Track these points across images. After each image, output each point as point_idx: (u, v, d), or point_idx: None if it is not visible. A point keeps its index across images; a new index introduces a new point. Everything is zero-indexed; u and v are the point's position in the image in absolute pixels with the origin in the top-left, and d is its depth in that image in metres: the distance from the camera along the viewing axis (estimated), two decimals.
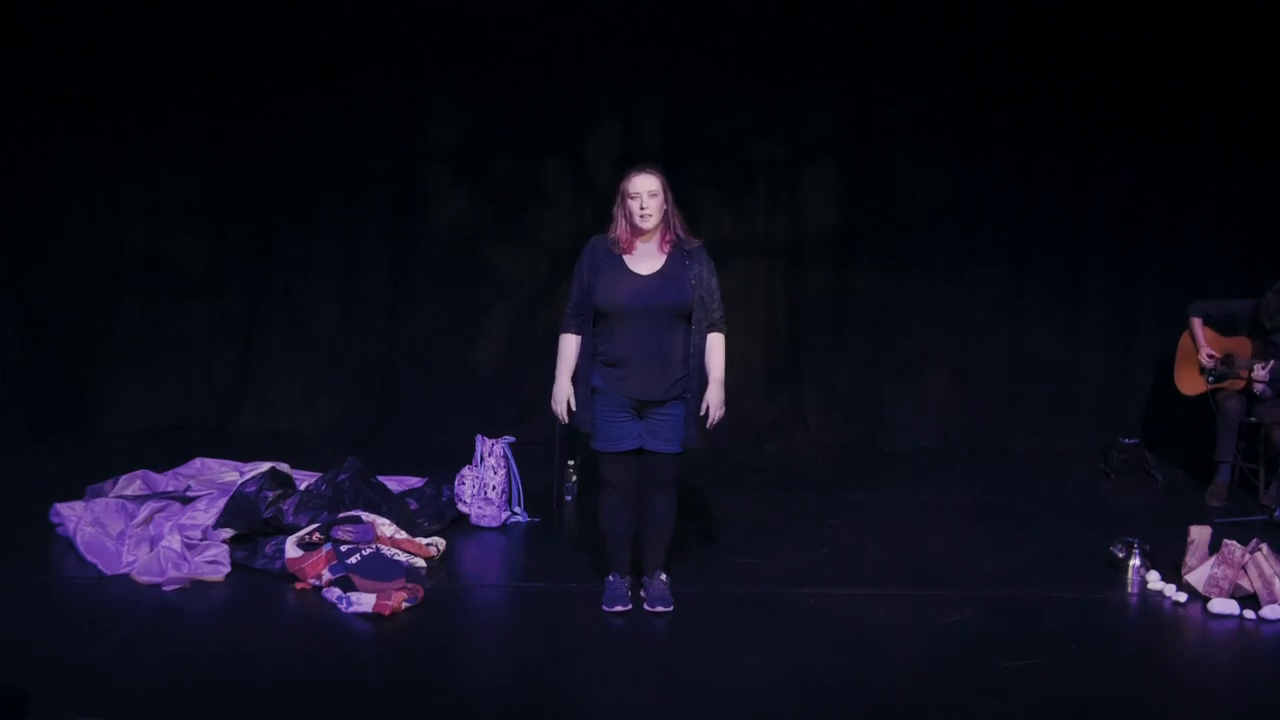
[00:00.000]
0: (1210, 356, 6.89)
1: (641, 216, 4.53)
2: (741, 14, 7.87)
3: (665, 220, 4.59)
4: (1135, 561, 5.10)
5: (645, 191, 4.53)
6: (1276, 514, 6.13)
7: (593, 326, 4.62)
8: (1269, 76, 7.81)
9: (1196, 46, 7.87)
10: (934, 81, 7.98)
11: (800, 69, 7.99)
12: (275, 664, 4.25)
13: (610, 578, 4.81)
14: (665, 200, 4.57)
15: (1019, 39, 7.90)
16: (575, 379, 4.66)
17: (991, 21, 7.87)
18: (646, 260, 4.60)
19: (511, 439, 6.19)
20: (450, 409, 7.93)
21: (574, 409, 4.66)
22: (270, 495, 5.26)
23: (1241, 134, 7.95)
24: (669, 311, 4.55)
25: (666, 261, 4.59)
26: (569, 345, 4.68)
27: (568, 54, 7.91)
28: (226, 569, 5.05)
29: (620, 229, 4.59)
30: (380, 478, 5.86)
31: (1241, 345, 6.86)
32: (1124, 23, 7.84)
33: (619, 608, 4.72)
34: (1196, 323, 7.01)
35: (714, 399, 4.64)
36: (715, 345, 4.67)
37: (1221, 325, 6.99)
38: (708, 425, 4.66)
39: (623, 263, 4.59)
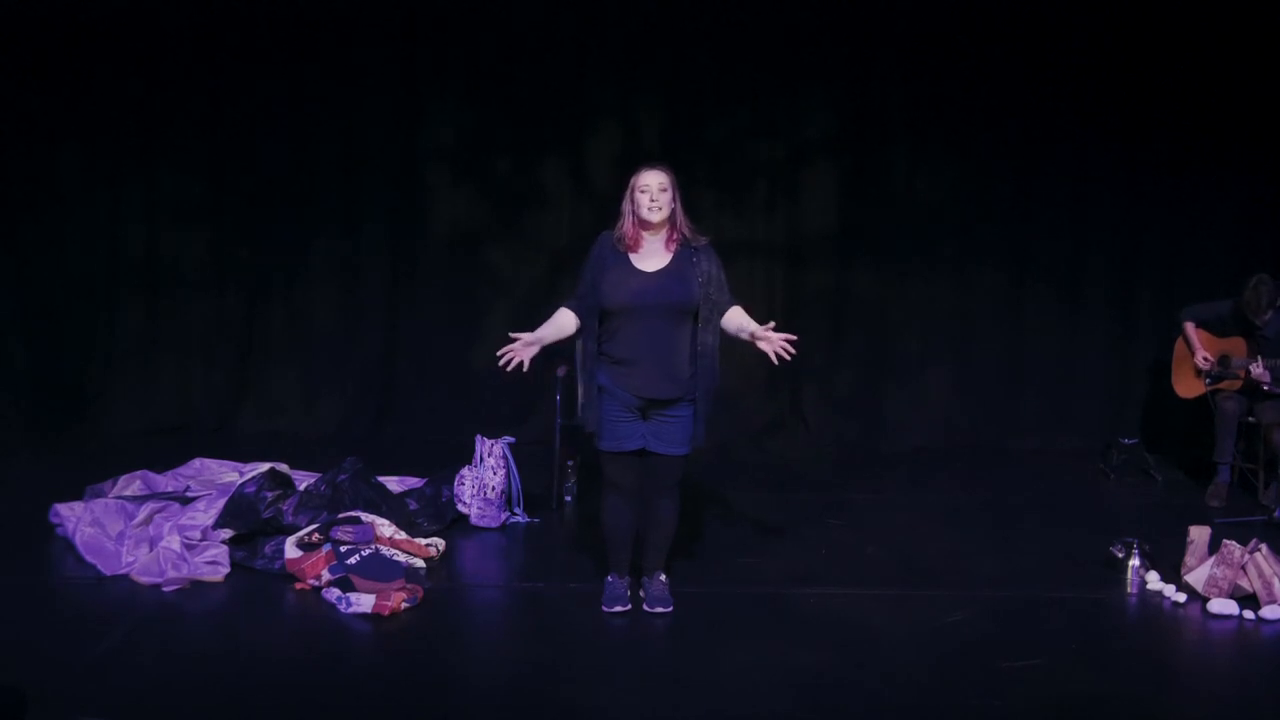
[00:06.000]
0: (1206, 359, 6.89)
1: (650, 209, 4.53)
2: (741, 14, 7.86)
3: (672, 218, 4.60)
4: (1135, 561, 5.10)
5: (656, 185, 4.54)
6: (1276, 514, 6.14)
7: (599, 325, 4.61)
8: (1269, 77, 7.81)
9: (1196, 48, 7.86)
10: (934, 82, 7.97)
11: (800, 69, 7.99)
12: (275, 664, 4.25)
13: (610, 578, 4.81)
14: (674, 198, 4.58)
15: (1019, 39, 7.89)
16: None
17: (991, 21, 7.86)
18: (653, 258, 4.60)
19: (511, 439, 6.18)
20: (450, 409, 7.92)
21: (523, 340, 4.54)
22: (270, 495, 5.26)
23: (1241, 135, 7.94)
24: (675, 309, 4.55)
25: (673, 259, 4.59)
26: (562, 314, 4.66)
27: (568, 54, 7.91)
28: (226, 569, 5.05)
29: (627, 225, 4.59)
30: (380, 478, 5.87)
31: (1236, 345, 6.85)
32: (1124, 23, 7.84)
33: (619, 608, 4.72)
34: (1189, 326, 7.01)
35: (766, 330, 4.57)
36: (740, 311, 4.66)
37: (1215, 327, 6.98)
38: (779, 345, 4.54)
39: (628, 261, 4.59)
